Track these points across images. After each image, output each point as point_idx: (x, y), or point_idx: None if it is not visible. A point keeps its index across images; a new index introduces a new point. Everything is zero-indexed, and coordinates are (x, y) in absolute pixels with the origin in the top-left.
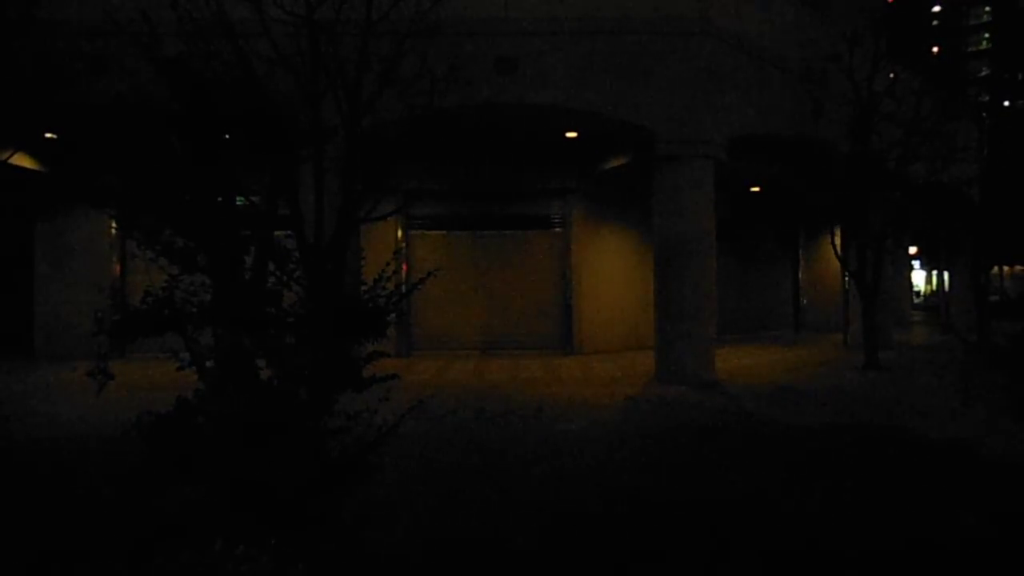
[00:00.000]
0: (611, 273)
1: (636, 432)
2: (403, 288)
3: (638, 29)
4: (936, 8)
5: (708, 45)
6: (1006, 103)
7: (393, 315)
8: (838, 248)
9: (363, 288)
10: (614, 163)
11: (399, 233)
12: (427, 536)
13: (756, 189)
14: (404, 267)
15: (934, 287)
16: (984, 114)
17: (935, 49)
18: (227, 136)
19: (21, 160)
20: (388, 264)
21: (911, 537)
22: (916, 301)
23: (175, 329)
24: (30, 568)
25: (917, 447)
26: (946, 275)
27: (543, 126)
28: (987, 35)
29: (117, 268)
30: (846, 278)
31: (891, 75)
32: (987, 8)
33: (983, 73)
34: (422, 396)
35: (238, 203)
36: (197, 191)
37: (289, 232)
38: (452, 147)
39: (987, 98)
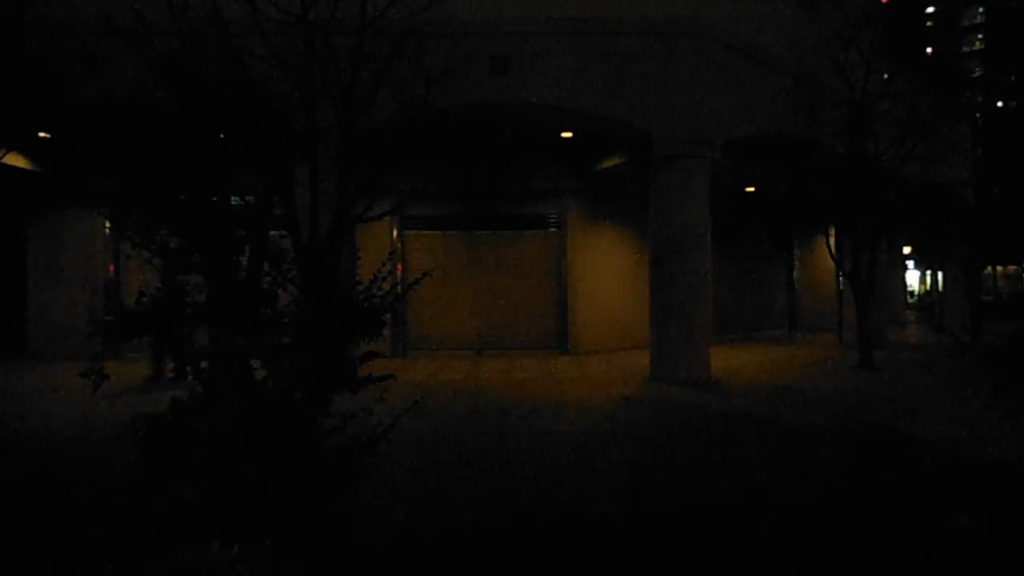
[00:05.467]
0: (607, 273)
1: (631, 432)
2: (398, 288)
3: (633, 29)
4: (930, 9)
5: (703, 46)
6: (1000, 104)
7: (388, 315)
8: (832, 248)
9: (359, 288)
10: (610, 163)
11: (394, 233)
12: (422, 536)
13: (751, 189)
14: (399, 267)
15: (928, 287)
16: (978, 115)
17: (929, 50)
18: (222, 136)
19: (14, 160)
20: (383, 264)
21: (904, 537)
22: (910, 301)
23: (170, 329)
24: (27, 569)
25: (909, 446)
26: (940, 275)
27: (539, 126)
28: (981, 36)
29: (111, 268)
30: (840, 278)
31: (885, 76)
32: (980, 9)
33: (977, 74)
34: (417, 396)
35: (233, 203)
36: (192, 191)
37: (284, 232)
38: (447, 147)
39: (981, 99)
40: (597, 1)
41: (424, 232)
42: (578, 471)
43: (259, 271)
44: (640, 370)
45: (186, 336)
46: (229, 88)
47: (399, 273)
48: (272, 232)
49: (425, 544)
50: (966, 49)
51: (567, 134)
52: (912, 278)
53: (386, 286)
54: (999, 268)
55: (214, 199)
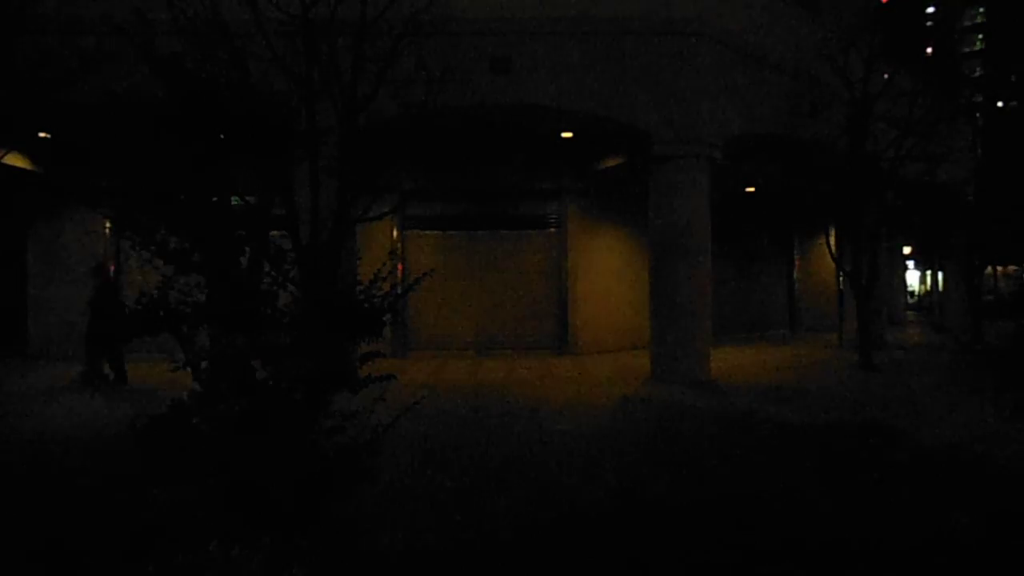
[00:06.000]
0: (607, 273)
1: (631, 431)
2: (399, 288)
3: (633, 29)
4: (930, 9)
5: (703, 46)
6: (999, 104)
7: (389, 315)
8: (833, 248)
9: (359, 288)
10: (610, 163)
11: (395, 233)
12: (422, 537)
13: (751, 189)
14: (400, 267)
15: (928, 287)
16: (978, 115)
17: (929, 50)
18: (222, 136)
19: (14, 160)
20: (384, 264)
21: (902, 537)
22: (910, 301)
23: (170, 330)
24: (26, 568)
25: (909, 447)
26: (940, 275)
27: (538, 126)
28: (981, 36)
29: (112, 268)
30: (841, 278)
31: (885, 76)
32: (981, 9)
33: (977, 74)
34: (418, 396)
35: (233, 203)
36: (192, 191)
37: (284, 232)
38: (448, 147)
39: (981, 99)
40: (598, 1)
41: (424, 232)
42: (578, 471)
43: (259, 271)
44: (640, 370)
45: (187, 336)
46: (229, 88)
47: (399, 273)
48: (272, 232)
49: (425, 545)
50: (966, 49)
51: (567, 134)
52: (912, 278)
53: (386, 286)
54: (999, 268)
55: (214, 199)
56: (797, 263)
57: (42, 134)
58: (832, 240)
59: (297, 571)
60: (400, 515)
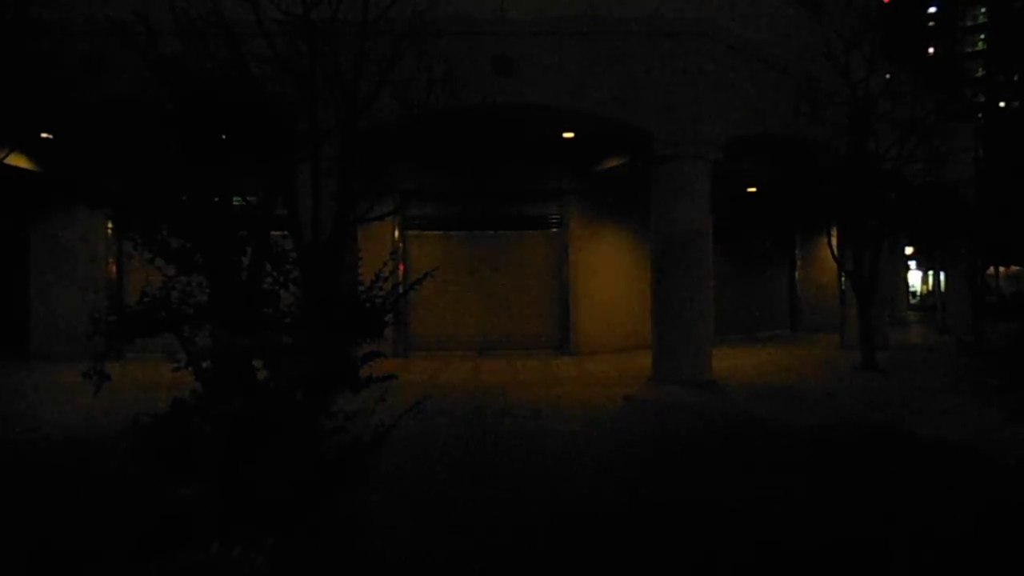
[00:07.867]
0: (608, 273)
1: (633, 432)
2: (400, 288)
3: (635, 30)
4: (932, 9)
5: (704, 46)
6: (1002, 104)
7: (390, 315)
8: (835, 248)
9: (360, 288)
10: (611, 163)
11: (396, 233)
12: (423, 538)
13: (753, 189)
14: (401, 267)
15: (930, 287)
16: (980, 115)
17: (931, 50)
18: (224, 136)
19: (17, 160)
20: (385, 264)
21: (901, 537)
22: (912, 301)
23: (171, 330)
24: (29, 569)
25: (911, 446)
26: (942, 275)
27: (540, 126)
28: (983, 36)
29: (114, 268)
30: (842, 278)
31: (887, 76)
32: (983, 9)
33: (979, 74)
34: (419, 397)
35: (235, 203)
36: (194, 191)
37: (286, 232)
38: (449, 147)
39: (983, 99)
40: (600, 1)
41: (426, 232)
42: (578, 472)
43: (261, 271)
44: (642, 371)
45: (188, 336)
46: (231, 89)
47: (401, 273)
48: (274, 232)
49: (426, 546)
50: (968, 49)
51: (568, 134)
52: (914, 278)
53: (388, 286)
54: (1002, 268)
55: (216, 199)
56: (799, 263)
57: (44, 135)
58: (834, 240)
59: (298, 571)
60: (400, 516)
